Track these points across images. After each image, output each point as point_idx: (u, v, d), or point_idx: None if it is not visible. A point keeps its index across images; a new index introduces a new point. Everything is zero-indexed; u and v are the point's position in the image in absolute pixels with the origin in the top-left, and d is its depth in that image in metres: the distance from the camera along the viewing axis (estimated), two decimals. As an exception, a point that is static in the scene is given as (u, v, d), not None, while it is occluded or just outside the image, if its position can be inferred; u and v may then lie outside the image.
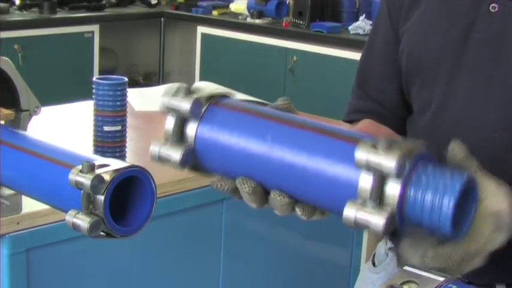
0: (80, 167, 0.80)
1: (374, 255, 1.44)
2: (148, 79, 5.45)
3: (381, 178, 0.76)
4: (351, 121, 1.37)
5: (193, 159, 0.87)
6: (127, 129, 1.78)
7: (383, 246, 1.40)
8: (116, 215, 0.82)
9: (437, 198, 0.75)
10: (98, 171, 0.80)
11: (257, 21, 4.60)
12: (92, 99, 1.76)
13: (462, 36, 1.19)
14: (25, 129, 1.20)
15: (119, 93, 1.74)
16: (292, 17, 4.50)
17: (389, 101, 1.33)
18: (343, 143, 0.80)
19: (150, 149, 0.87)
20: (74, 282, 1.71)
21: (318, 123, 0.85)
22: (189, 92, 0.86)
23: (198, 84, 0.89)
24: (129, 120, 1.80)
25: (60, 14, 4.56)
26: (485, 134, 1.17)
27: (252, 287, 2.12)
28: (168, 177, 1.78)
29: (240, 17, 4.75)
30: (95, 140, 1.75)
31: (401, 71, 1.29)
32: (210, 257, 1.98)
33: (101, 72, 4.56)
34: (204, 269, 1.98)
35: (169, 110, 0.85)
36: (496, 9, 1.17)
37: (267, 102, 0.94)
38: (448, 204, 0.75)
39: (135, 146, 1.93)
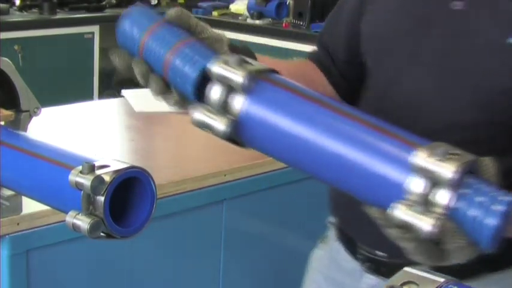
0: (80, 167, 0.80)
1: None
2: (148, 80, 5.45)
3: (432, 184, 0.76)
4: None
5: (234, 131, 0.86)
6: (127, 130, 1.78)
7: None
8: (115, 215, 0.82)
9: (483, 216, 0.77)
10: (98, 172, 0.80)
11: (257, 22, 4.60)
12: (91, 100, 1.75)
13: (417, 28, 1.20)
14: (25, 130, 1.20)
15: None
16: (292, 18, 4.50)
17: (340, 62, 1.35)
18: (399, 142, 0.81)
19: (193, 115, 0.85)
20: (74, 283, 1.71)
21: (370, 117, 0.84)
22: (240, 62, 0.84)
23: (243, 57, 0.87)
24: (129, 121, 1.80)
25: (60, 15, 4.56)
26: (427, 123, 1.18)
27: (252, 287, 2.12)
28: (168, 178, 1.78)
29: (240, 18, 4.75)
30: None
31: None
32: (210, 258, 1.98)
33: (100, 73, 4.56)
34: (204, 269, 1.98)
35: (219, 78, 0.83)
36: (456, 7, 1.17)
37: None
38: (491, 223, 0.77)
39: (136, 146, 1.93)
